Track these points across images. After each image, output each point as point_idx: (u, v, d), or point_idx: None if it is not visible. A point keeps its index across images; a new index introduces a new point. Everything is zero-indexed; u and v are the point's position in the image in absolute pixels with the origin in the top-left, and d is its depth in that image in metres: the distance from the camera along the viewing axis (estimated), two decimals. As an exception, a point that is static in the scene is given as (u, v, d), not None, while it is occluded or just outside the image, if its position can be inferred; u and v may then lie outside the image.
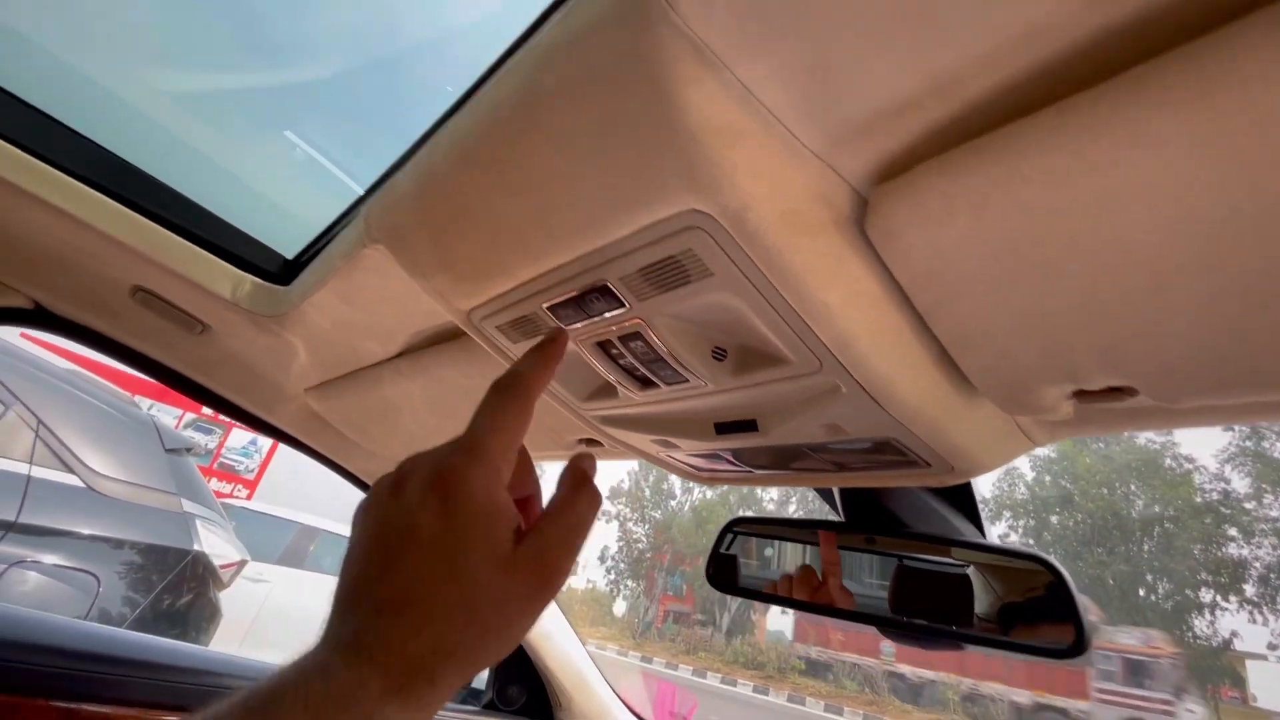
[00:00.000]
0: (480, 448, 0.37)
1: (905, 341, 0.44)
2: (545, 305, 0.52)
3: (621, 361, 0.55)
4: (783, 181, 0.36)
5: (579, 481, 0.40)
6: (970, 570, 0.71)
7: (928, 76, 0.31)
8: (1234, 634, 22.41)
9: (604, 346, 0.54)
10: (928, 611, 0.70)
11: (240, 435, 10.89)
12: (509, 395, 0.41)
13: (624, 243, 0.43)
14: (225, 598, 3.22)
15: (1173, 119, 0.26)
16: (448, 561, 0.33)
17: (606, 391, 0.62)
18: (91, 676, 0.96)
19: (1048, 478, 26.45)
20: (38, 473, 2.56)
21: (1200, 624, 22.28)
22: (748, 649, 25.49)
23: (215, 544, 3.10)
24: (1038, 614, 0.63)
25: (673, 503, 32.86)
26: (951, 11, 0.27)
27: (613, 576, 33.41)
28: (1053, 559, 0.61)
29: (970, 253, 0.36)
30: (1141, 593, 22.97)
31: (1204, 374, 0.37)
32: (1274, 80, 0.23)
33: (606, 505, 33.37)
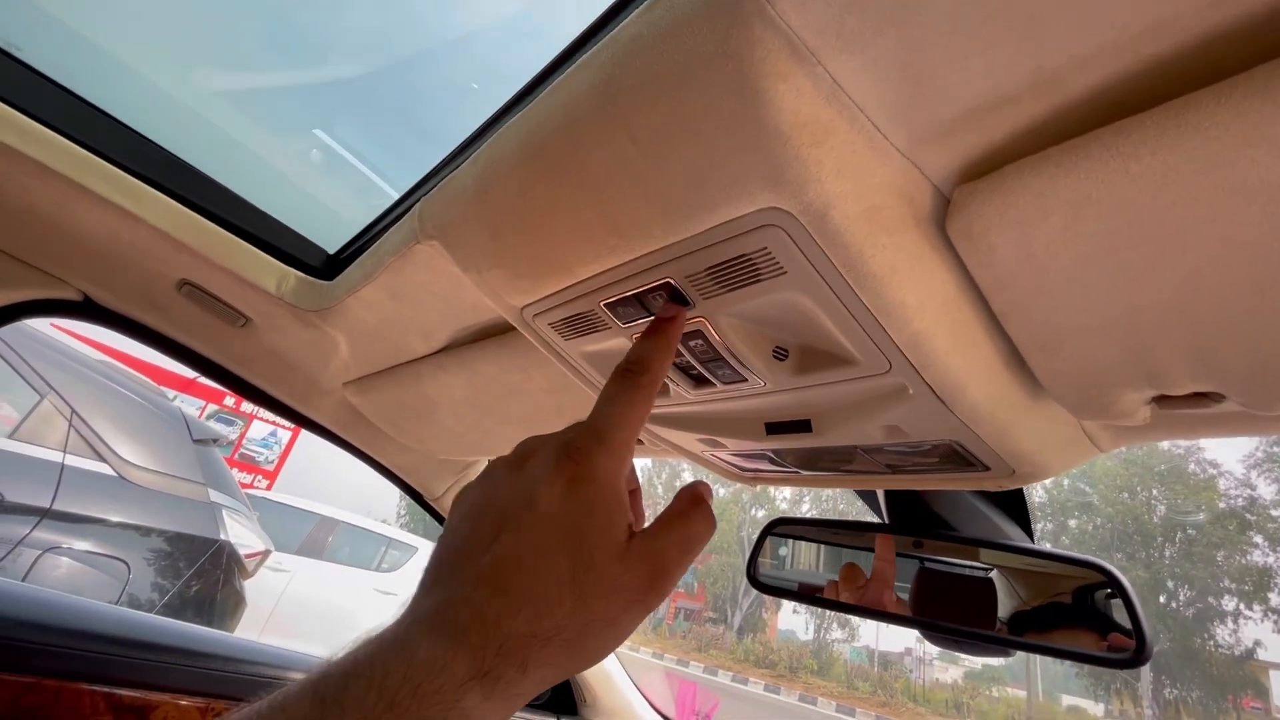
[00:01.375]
0: (609, 435, 0.36)
1: (978, 342, 0.43)
2: (603, 303, 0.52)
3: (678, 360, 0.54)
4: (866, 178, 0.35)
5: (696, 500, 0.39)
6: (1019, 575, 0.70)
7: (1030, 74, 0.30)
8: (1258, 643, 21.96)
9: None
10: (978, 617, 0.69)
11: (261, 427, 11.06)
12: (636, 384, 0.39)
13: (694, 241, 0.42)
14: (247, 586, 3.27)
15: None
16: (564, 538, 0.32)
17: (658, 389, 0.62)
18: (131, 662, 0.97)
19: (1066, 481, 26.06)
20: (71, 461, 2.62)
21: (1222, 632, 21.86)
22: (759, 647, 25.46)
23: (241, 534, 3.15)
24: (1095, 622, 0.62)
25: (685, 500, 32.79)
26: (1070, 7, 0.26)
27: (624, 572, 33.47)
28: (1112, 567, 0.60)
29: (1060, 253, 0.35)
30: (1162, 599, 22.56)
31: None
32: None
33: (619, 501, 33.32)
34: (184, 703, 0.99)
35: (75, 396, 2.72)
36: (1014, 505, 0.73)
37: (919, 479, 0.61)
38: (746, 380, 0.52)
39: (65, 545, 2.51)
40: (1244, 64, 0.27)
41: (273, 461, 11.22)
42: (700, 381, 0.56)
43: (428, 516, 1.41)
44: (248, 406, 10.58)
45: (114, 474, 2.72)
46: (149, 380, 3.27)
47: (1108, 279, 0.35)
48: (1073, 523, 25.55)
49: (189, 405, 8.71)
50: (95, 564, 2.58)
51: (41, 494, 2.50)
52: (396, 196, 0.90)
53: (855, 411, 0.52)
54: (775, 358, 0.50)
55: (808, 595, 0.80)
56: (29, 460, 2.53)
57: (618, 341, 0.56)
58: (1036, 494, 26.66)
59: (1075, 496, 25.47)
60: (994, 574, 0.71)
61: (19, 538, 2.39)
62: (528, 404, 0.86)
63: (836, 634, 26.86)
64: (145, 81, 0.96)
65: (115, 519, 2.66)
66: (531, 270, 0.54)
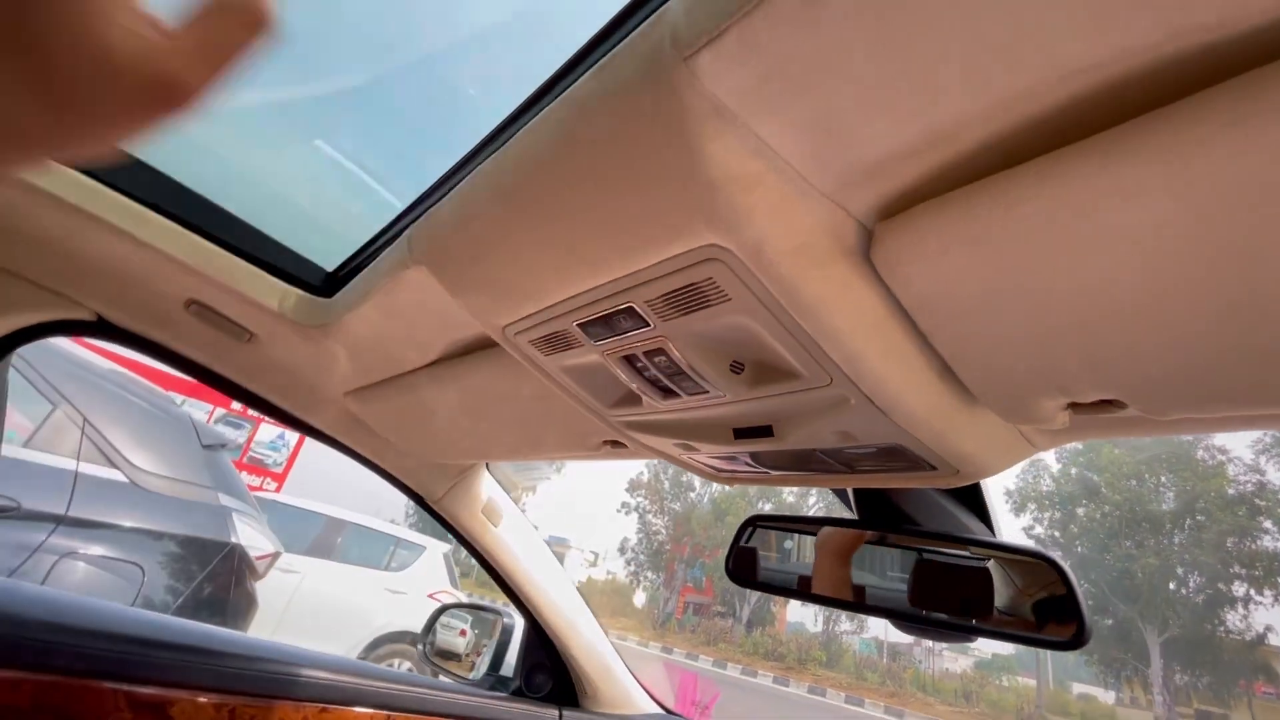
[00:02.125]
0: None
1: (909, 358, 0.48)
2: (576, 323, 0.57)
3: (646, 374, 0.59)
4: (795, 219, 0.40)
5: None
6: (985, 565, 0.74)
7: (925, 130, 0.34)
8: (1269, 628, 21.91)
9: (630, 360, 0.58)
10: (939, 605, 0.73)
11: (268, 430, 11.15)
12: None
13: (649, 271, 0.47)
14: (259, 587, 3.34)
15: (1150, 172, 0.29)
16: None
17: (631, 400, 0.67)
18: (150, 660, 1.02)
19: (1074, 470, 25.98)
20: (84, 469, 2.69)
21: (1233, 618, 21.81)
22: (768, 640, 25.52)
23: (251, 536, 3.22)
24: (1041, 608, 0.66)
25: (692, 495, 32.88)
26: (945, 76, 0.31)
27: (633, 568, 33.62)
28: (1055, 556, 0.64)
29: (966, 282, 0.39)
30: (1172, 586, 22.50)
31: (1186, 391, 0.40)
32: (1237, 142, 0.27)
33: (626, 497, 33.40)
34: (201, 699, 1.04)
35: (87, 405, 2.78)
36: (972, 498, 0.77)
37: (876, 478, 0.66)
38: (708, 392, 0.57)
39: (81, 550, 2.57)
40: (1104, 124, 0.31)
41: (281, 464, 11.32)
42: (667, 393, 0.60)
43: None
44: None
45: (126, 480, 2.79)
46: (158, 387, 3.34)
47: (1009, 304, 0.39)
48: (1080, 511, 25.46)
49: (197, 410, 8.81)
50: (110, 568, 2.64)
51: (57, 501, 2.56)
52: (399, 206, 0.94)
53: (809, 419, 0.57)
54: (733, 371, 0.55)
55: (785, 588, 0.85)
56: (44, 468, 2.60)
57: (591, 358, 0.61)
58: (1044, 483, 26.58)
59: (1081, 486, 25.37)
60: (985, 565, 0.75)
61: (36, 544, 2.46)
62: (518, 411, 0.91)
63: (845, 626, 26.93)
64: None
65: (128, 524, 2.73)
66: (510, 294, 0.59)
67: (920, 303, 0.43)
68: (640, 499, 33.41)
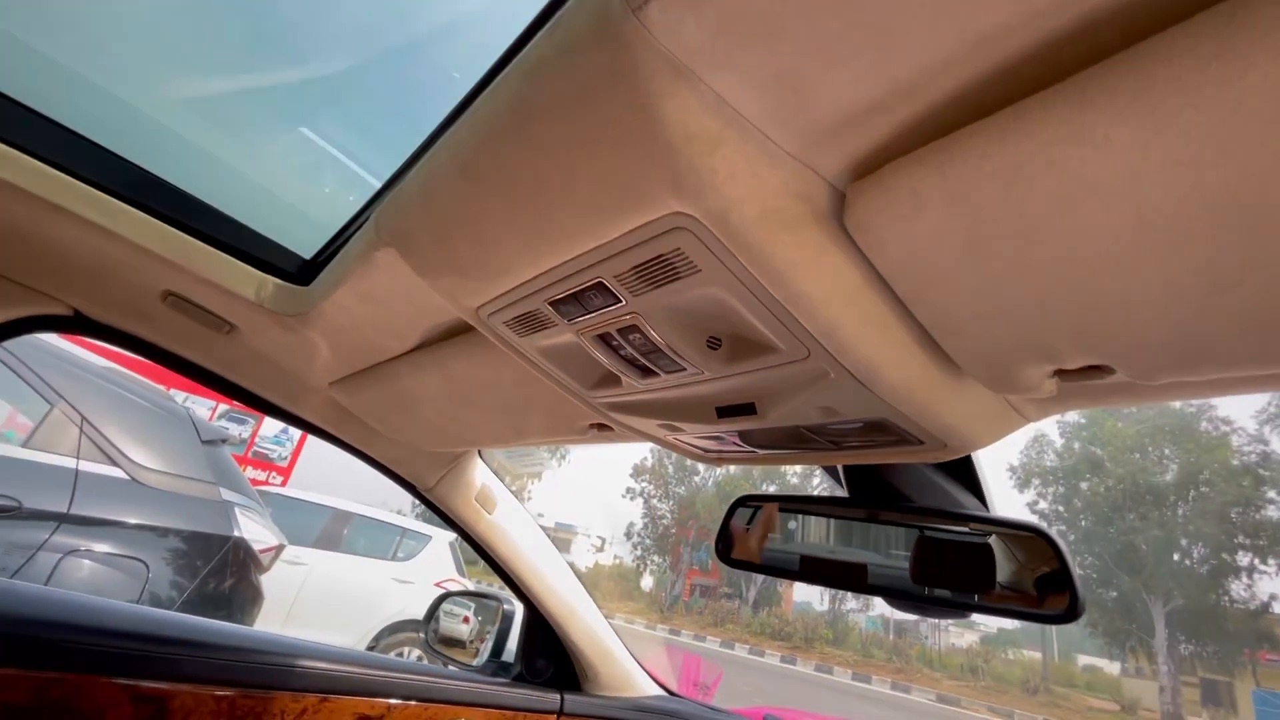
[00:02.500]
0: None
1: (889, 327, 0.46)
2: (547, 301, 0.55)
3: (622, 352, 0.57)
4: (761, 182, 0.38)
5: None
6: (986, 541, 0.73)
7: (891, 81, 0.32)
8: (1273, 596, 22.01)
9: (605, 339, 0.57)
10: (941, 580, 0.72)
11: (272, 424, 11.17)
12: None
13: (615, 243, 0.45)
14: (266, 580, 3.36)
15: (1116, 121, 0.27)
16: None
17: (610, 380, 0.65)
18: (149, 656, 1.02)
19: (1076, 444, 25.95)
20: (84, 467, 2.69)
21: (1237, 587, 21.90)
22: (774, 620, 25.73)
23: (254, 530, 3.23)
24: (1036, 581, 0.65)
25: (696, 478, 32.98)
26: (905, 23, 0.29)
27: (639, 552, 33.84)
28: (1049, 529, 0.63)
29: (942, 244, 0.37)
30: (1176, 557, 22.57)
31: (1172, 353, 0.38)
32: (1206, 84, 0.25)
33: (631, 482, 33.56)
34: (200, 692, 1.04)
35: (84, 404, 2.78)
36: (965, 473, 0.76)
37: (863, 454, 0.64)
38: (686, 369, 0.55)
39: (85, 548, 2.58)
40: (1072, 70, 0.29)
41: (286, 458, 11.37)
42: (646, 372, 0.59)
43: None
44: (258, 405, 10.64)
45: (126, 477, 2.79)
46: (155, 384, 3.33)
47: (987, 267, 0.37)
48: (1084, 485, 25.47)
49: (200, 406, 8.82)
50: (115, 565, 2.66)
51: (58, 499, 2.57)
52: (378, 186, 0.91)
53: (791, 394, 0.55)
54: (710, 348, 0.53)
55: (774, 568, 0.83)
56: (44, 467, 2.60)
57: (566, 337, 0.59)
58: (1047, 458, 26.59)
59: (1084, 460, 25.36)
60: (977, 540, 0.74)
61: (40, 542, 2.47)
62: (502, 396, 0.89)
63: (851, 604, 27.10)
64: (118, 100, 0.99)
65: (131, 521, 2.73)
66: (479, 273, 0.57)
67: (897, 267, 0.41)
68: (645, 484, 33.54)
